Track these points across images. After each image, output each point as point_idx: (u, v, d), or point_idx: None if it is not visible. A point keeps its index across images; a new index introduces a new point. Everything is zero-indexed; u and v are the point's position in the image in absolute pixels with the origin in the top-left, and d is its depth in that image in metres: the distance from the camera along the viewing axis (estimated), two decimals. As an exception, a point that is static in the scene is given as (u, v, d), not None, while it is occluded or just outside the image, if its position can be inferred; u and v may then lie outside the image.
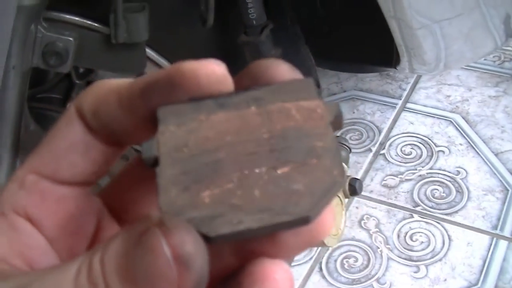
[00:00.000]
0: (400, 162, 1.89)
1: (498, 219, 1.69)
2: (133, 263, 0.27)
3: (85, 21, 0.98)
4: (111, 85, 0.33)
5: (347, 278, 1.59)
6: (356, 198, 1.78)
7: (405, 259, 1.62)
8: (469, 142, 1.92)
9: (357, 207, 1.76)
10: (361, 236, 1.68)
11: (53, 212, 0.34)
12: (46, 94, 1.29)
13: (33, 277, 0.29)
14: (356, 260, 1.63)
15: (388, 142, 1.95)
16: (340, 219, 1.37)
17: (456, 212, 1.72)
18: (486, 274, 1.56)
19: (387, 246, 1.65)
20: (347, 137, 1.97)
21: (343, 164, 0.31)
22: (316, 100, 0.32)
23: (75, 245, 0.35)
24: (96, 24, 0.98)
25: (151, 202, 0.37)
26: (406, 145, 1.94)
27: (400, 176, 1.85)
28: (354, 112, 2.06)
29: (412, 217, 1.72)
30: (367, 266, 1.61)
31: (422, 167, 1.86)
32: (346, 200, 1.45)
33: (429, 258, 1.61)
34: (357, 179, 1.38)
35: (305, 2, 1.50)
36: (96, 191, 0.37)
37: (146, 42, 1.01)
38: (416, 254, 1.63)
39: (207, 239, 0.27)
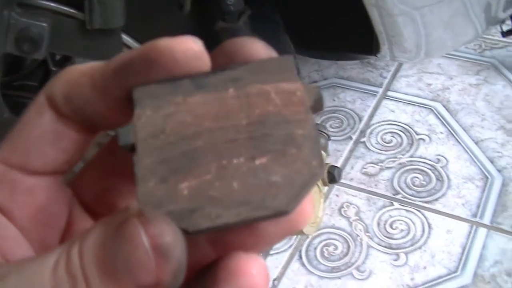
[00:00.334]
0: (380, 150, 1.89)
1: (478, 207, 1.70)
2: (112, 254, 0.26)
3: (59, 6, 0.96)
4: (83, 68, 0.32)
5: (327, 266, 1.59)
6: (336, 186, 1.78)
7: (385, 247, 1.62)
8: (449, 130, 1.92)
9: (337, 195, 1.76)
10: (341, 224, 1.68)
11: (24, 203, 0.34)
12: (22, 82, 1.28)
13: (9, 269, 0.29)
14: (336, 248, 1.62)
15: (369, 130, 1.95)
16: (318, 207, 1.37)
17: (436, 200, 1.73)
18: (466, 262, 1.57)
19: (367, 234, 1.65)
20: (328, 124, 1.96)
21: (322, 152, 0.30)
22: (296, 82, 0.31)
23: (47, 236, 0.35)
24: (71, 10, 0.97)
25: (122, 193, 0.37)
26: (387, 133, 1.94)
27: (381, 164, 1.84)
28: (334, 100, 2.05)
29: (392, 205, 1.72)
30: (346, 254, 1.61)
31: (403, 155, 1.86)
32: (326, 188, 1.45)
33: (409, 246, 1.62)
34: (336, 166, 1.38)
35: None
36: (69, 178, 0.36)
37: (122, 28, 1.00)
38: (396, 242, 1.63)
39: (185, 231, 0.27)
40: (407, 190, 1.76)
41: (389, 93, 2.08)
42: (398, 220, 1.68)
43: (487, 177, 1.77)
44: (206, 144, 0.29)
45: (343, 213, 1.71)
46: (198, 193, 0.28)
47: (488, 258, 1.57)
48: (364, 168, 1.84)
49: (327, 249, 1.62)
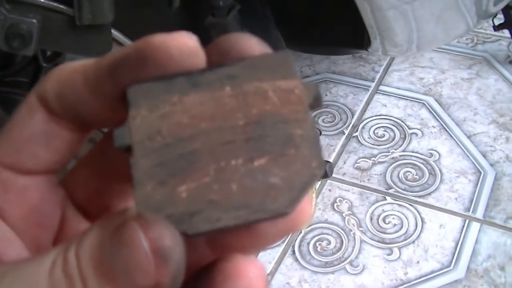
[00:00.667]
0: (373, 144, 1.89)
1: (471, 201, 1.70)
2: (109, 256, 0.26)
3: (48, 2, 0.95)
4: (75, 66, 0.32)
5: (320, 261, 1.59)
6: (329, 181, 1.77)
7: (378, 241, 1.62)
8: (442, 125, 1.92)
9: (330, 190, 1.75)
10: (334, 218, 1.68)
11: (16, 203, 0.33)
12: (13, 78, 1.27)
13: (4, 270, 0.29)
14: (329, 243, 1.62)
15: (361, 125, 1.95)
16: (311, 202, 1.37)
17: (429, 194, 1.73)
18: (459, 256, 1.57)
19: (360, 228, 1.65)
20: (320, 119, 1.96)
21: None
22: (294, 80, 0.30)
23: (40, 236, 0.34)
24: (60, 6, 0.96)
25: (115, 193, 0.36)
26: (379, 127, 1.94)
27: (373, 158, 1.84)
28: (327, 95, 2.05)
29: (385, 199, 1.72)
30: (340, 249, 1.61)
31: (395, 149, 1.86)
32: (318, 182, 1.45)
33: (402, 241, 1.62)
34: (328, 161, 1.38)
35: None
36: (61, 177, 0.36)
37: (111, 23, 0.99)
38: (389, 236, 1.63)
39: (184, 235, 0.27)
40: (399, 184, 1.76)
41: (381, 87, 2.08)
42: (391, 214, 1.68)
43: (480, 171, 1.77)
44: (204, 145, 0.29)
45: (336, 208, 1.71)
46: (197, 196, 0.28)
47: (481, 252, 1.57)
48: (357, 163, 1.83)
49: (320, 244, 1.62)
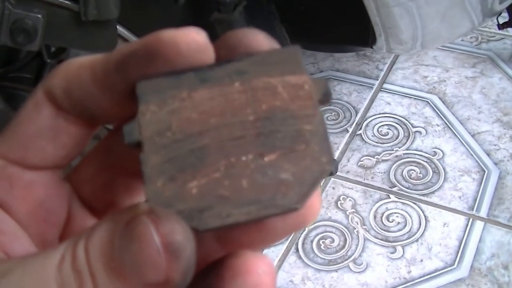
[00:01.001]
0: (376, 142, 1.88)
1: (475, 200, 1.69)
2: (119, 251, 0.26)
3: (54, -3, 0.96)
4: (83, 61, 0.32)
5: (324, 259, 1.58)
6: (332, 179, 1.77)
7: (382, 239, 1.62)
8: (446, 123, 1.92)
9: (333, 188, 1.75)
10: (337, 216, 1.68)
11: (23, 198, 0.33)
12: (17, 74, 1.27)
13: (12, 264, 0.29)
14: (333, 241, 1.62)
15: (365, 123, 1.95)
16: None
17: (433, 192, 1.72)
18: (462, 255, 1.56)
19: (364, 226, 1.65)
20: (324, 117, 1.96)
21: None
22: (303, 75, 0.30)
23: (47, 231, 0.34)
24: (65, 1, 0.96)
25: (121, 188, 0.36)
26: (383, 125, 1.93)
27: (377, 156, 1.84)
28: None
29: (389, 197, 1.72)
30: (343, 247, 1.61)
31: (399, 147, 1.86)
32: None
33: (406, 239, 1.61)
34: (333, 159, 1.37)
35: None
36: (66, 172, 0.36)
37: (117, 19, 0.99)
38: (392, 234, 1.63)
39: (195, 230, 0.27)
40: (403, 182, 1.76)
41: (385, 85, 2.08)
42: (395, 213, 1.68)
43: (484, 170, 1.77)
44: (213, 141, 0.29)
45: (339, 206, 1.70)
46: (207, 192, 0.28)
47: (485, 251, 1.57)
48: (361, 161, 1.83)
49: (323, 242, 1.62)
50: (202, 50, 0.30)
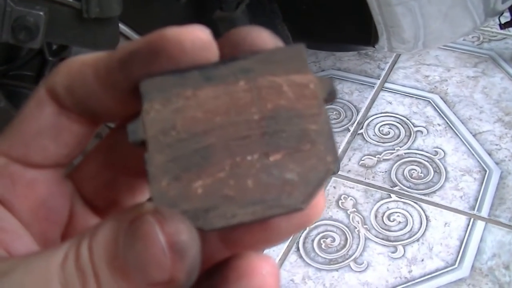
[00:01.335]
0: (378, 142, 1.88)
1: (476, 200, 1.69)
2: (124, 250, 0.26)
3: (56, -5, 0.95)
4: (85, 59, 0.31)
5: (324, 258, 1.58)
6: (333, 178, 1.77)
7: (383, 239, 1.62)
8: (447, 123, 1.92)
9: (334, 187, 1.75)
10: (338, 216, 1.68)
11: (25, 196, 0.33)
12: (18, 71, 1.27)
13: (15, 263, 0.28)
14: (334, 240, 1.62)
15: (366, 122, 1.94)
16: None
17: (434, 192, 1.72)
18: (463, 255, 1.56)
19: (365, 226, 1.65)
20: (329, 116, 1.96)
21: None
22: (309, 74, 0.30)
23: (49, 230, 0.34)
24: (67, -1, 0.96)
25: (123, 187, 0.36)
26: (384, 125, 1.93)
27: (378, 156, 1.84)
28: (332, 92, 2.05)
29: (390, 197, 1.72)
30: (344, 246, 1.61)
31: (400, 147, 1.86)
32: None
33: (407, 238, 1.61)
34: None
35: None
36: (68, 170, 0.36)
37: (119, 17, 0.99)
38: (393, 234, 1.62)
39: (200, 230, 0.27)
40: (404, 182, 1.76)
41: (387, 84, 2.08)
42: (396, 212, 1.68)
43: (485, 170, 1.77)
44: (219, 140, 0.29)
45: (340, 205, 1.70)
46: (213, 192, 0.28)
47: (486, 251, 1.57)
48: (362, 160, 1.83)
49: (324, 241, 1.62)
50: (206, 48, 0.29)
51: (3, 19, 0.92)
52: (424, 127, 1.91)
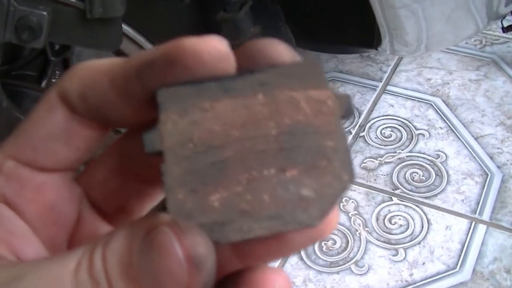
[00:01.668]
0: (379, 144, 1.88)
1: (477, 203, 1.69)
2: (139, 260, 0.26)
3: (59, -5, 0.95)
4: (100, 65, 0.31)
5: (326, 260, 1.58)
6: (335, 181, 1.77)
7: (384, 242, 1.61)
8: (449, 126, 1.92)
9: (336, 190, 1.75)
10: (339, 218, 1.67)
11: (33, 200, 0.33)
12: (21, 71, 1.27)
13: (25, 268, 0.28)
14: (335, 243, 1.62)
15: (368, 125, 1.94)
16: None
17: (435, 195, 1.72)
18: (465, 258, 1.56)
19: (366, 229, 1.65)
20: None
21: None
22: (327, 90, 0.30)
23: (56, 234, 0.34)
24: (71, -1, 0.96)
25: (132, 194, 0.36)
26: (386, 127, 1.93)
27: (380, 158, 1.84)
28: (334, 94, 2.05)
29: (391, 200, 1.71)
30: (345, 248, 1.61)
31: (402, 150, 1.86)
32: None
33: (408, 242, 1.61)
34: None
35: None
36: (77, 174, 0.35)
37: (122, 17, 0.99)
38: (394, 237, 1.62)
39: (216, 243, 0.27)
40: (406, 185, 1.75)
41: (389, 87, 2.08)
42: (397, 215, 1.68)
43: (487, 174, 1.77)
44: (236, 154, 0.29)
45: (342, 207, 1.70)
46: (229, 205, 0.28)
47: (487, 254, 1.57)
48: (363, 163, 1.83)
49: (325, 244, 1.62)
50: (224, 59, 0.29)
51: (7, 19, 0.92)
52: (426, 130, 1.91)
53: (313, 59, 0.31)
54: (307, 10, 1.55)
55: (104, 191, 0.36)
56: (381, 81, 2.10)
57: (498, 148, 1.84)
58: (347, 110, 0.30)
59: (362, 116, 1.97)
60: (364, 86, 2.09)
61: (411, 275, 1.54)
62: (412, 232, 1.63)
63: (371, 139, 1.90)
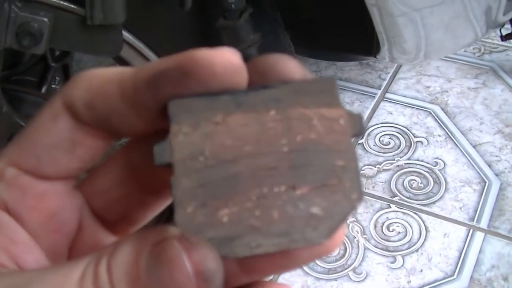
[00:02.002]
0: (378, 152, 1.88)
1: (475, 211, 1.69)
2: (146, 274, 0.26)
3: (60, 1, 0.95)
4: (108, 74, 0.31)
5: (324, 267, 1.58)
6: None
7: (382, 249, 1.61)
8: (447, 133, 1.92)
9: (334, 197, 1.75)
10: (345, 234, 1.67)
11: (35, 208, 0.33)
12: (21, 76, 1.27)
13: (28, 278, 0.28)
14: (333, 250, 1.62)
15: (367, 132, 1.94)
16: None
17: (433, 203, 1.72)
18: (462, 266, 1.56)
19: (364, 236, 1.65)
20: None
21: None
22: (339, 109, 0.30)
23: (58, 242, 0.34)
24: (71, 5, 0.96)
25: (135, 203, 0.36)
26: (385, 135, 1.93)
27: (378, 166, 1.84)
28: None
29: (390, 207, 1.72)
30: (343, 255, 1.61)
31: (400, 157, 1.86)
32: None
33: (406, 249, 1.61)
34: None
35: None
36: (78, 181, 0.35)
37: (123, 24, 0.99)
38: (392, 244, 1.62)
39: (224, 258, 0.27)
40: (404, 192, 1.76)
41: (388, 95, 2.08)
42: (395, 222, 1.68)
43: (485, 181, 1.77)
44: (247, 170, 0.29)
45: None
46: (238, 221, 0.28)
47: (485, 262, 1.57)
48: (362, 170, 1.83)
49: (323, 251, 1.61)
50: (237, 73, 0.29)
51: (8, 25, 0.92)
52: (425, 138, 1.91)
53: (328, 77, 0.31)
54: (307, 17, 1.55)
55: (106, 200, 0.36)
56: (380, 89, 2.10)
57: (496, 156, 1.84)
58: (359, 129, 0.30)
59: (361, 124, 1.97)
60: (363, 94, 2.09)
61: (409, 282, 1.54)
62: (410, 240, 1.63)
63: (369, 147, 1.90)
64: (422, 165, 1.83)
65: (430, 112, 2.00)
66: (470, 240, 1.62)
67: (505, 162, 1.82)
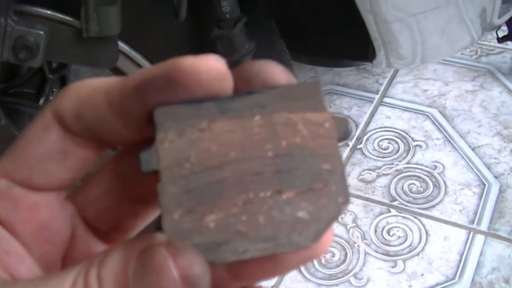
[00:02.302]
0: (377, 156, 1.88)
1: (475, 214, 1.69)
2: (134, 280, 0.26)
3: (56, 14, 0.95)
4: (96, 84, 0.31)
5: (324, 273, 1.58)
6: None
7: (382, 254, 1.62)
8: (446, 137, 1.92)
9: (334, 202, 1.75)
10: (338, 231, 1.68)
11: (27, 220, 0.33)
12: (18, 89, 1.27)
13: (21, 287, 0.29)
14: (333, 255, 1.62)
15: (365, 137, 1.95)
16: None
17: (433, 206, 1.72)
18: (463, 269, 1.56)
19: (364, 241, 1.65)
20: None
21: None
22: (324, 113, 0.30)
23: (50, 253, 0.34)
24: (67, 18, 0.96)
25: (126, 212, 0.36)
26: (383, 139, 1.93)
27: (377, 170, 1.84)
28: (331, 107, 2.05)
29: (389, 211, 1.72)
30: (344, 261, 1.61)
31: (399, 161, 1.86)
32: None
33: (406, 253, 1.61)
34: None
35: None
36: (70, 191, 0.36)
37: (118, 35, 0.99)
38: (393, 249, 1.63)
39: (211, 263, 0.28)
40: (404, 196, 1.76)
41: (385, 99, 2.08)
42: (395, 227, 1.68)
43: (484, 184, 1.77)
44: (232, 175, 0.29)
45: (340, 220, 1.70)
46: (225, 226, 0.28)
47: (486, 265, 1.57)
48: (361, 175, 1.83)
49: (324, 256, 1.62)
50: (222, 79, 0.29)
51: (4, 39, 0.93)
52: (423, 141, 1.92)
53: (313, 81, 0.31)
54: (302, 24, 1.55)
55: (97, 210, 0.36)
56: (378, 93, 2.11)
57: (495, 158, 1.84)
58: (344, 133, 0.30)
59: (359, 129, 1.97)
60: (361, 99, 2.09)
61: (410, 286, 1.54)
62: (411, 244, 1.63)
63: (368, 151, 1.90)
64: (421, 169, 1.83)
65: (428, 115, 2.00)
66: (470, 243, 1.62)
67: (504, 164, 1.82)
